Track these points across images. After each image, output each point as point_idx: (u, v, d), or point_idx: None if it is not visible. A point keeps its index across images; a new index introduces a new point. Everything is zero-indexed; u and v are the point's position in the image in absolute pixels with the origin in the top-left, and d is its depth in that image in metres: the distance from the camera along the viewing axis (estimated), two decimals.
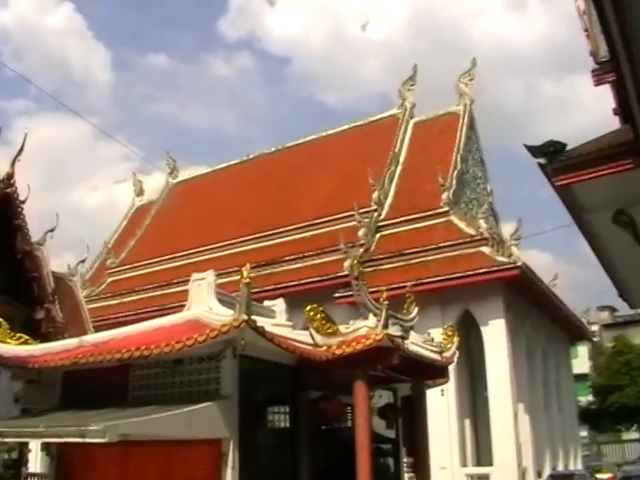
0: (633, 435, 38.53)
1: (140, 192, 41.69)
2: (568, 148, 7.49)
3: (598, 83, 9.23)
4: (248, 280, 9.02)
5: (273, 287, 23.37)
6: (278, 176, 33.29)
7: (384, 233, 26.71)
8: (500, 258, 22.11)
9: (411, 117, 32.26)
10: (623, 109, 6.30)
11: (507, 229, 26.78)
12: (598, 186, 7.45)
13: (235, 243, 30.17)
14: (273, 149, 36.77)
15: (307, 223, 28.59)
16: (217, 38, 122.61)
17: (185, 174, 40.90)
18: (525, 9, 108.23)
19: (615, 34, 4.60)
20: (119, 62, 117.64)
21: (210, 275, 11.11)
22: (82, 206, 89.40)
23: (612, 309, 53.34)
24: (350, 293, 14.72)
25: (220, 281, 11.54)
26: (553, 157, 7.35)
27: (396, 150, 30.27)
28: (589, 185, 7.41)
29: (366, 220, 26.25)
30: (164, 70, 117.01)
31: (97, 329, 14.88)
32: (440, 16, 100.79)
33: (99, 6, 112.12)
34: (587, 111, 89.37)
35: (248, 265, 9.51)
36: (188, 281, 11.42)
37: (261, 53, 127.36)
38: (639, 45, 4.76)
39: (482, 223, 24.01)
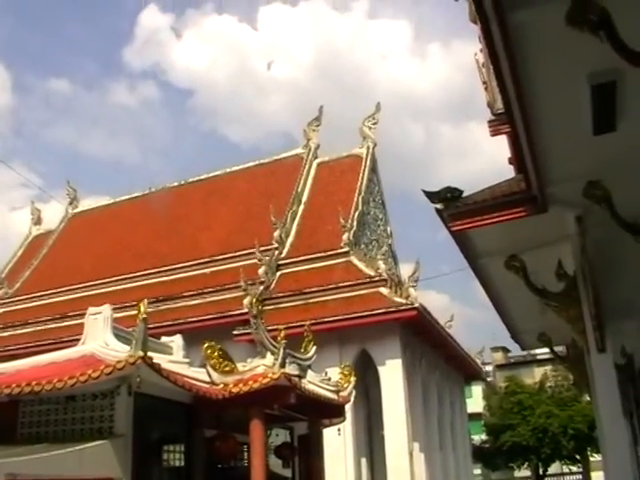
0: (525, 473, 39.45)
1: (38, 221, 40.41)
2: (464, 195, 7.77)
3: (494, 133, 9.65)
4: (145, 316, 8.91)
5: (171, 323, 22.95)
6: (180, 210, 32.97)
7: (284, 272, 26.77)
8: (398, 299, 22.47)
9: (315, 157, 32.68)
10: (517, 159, 6.62)
11: (406, 270, 27.32)
12: (492, 232, 7.75)
13: (134, 277, 29.60)
14: (176, 183, 36.40)
15: (208, 259, 28.38)
16: (122, 67, 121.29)
17: (85, 204, 39.97)
18: (426, 56, 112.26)
19: (510, 91, 4.88)
20: (19, 85, 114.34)
21: (107, 309, 10.89)
22: None
23: (505, 350, 54.75)
24: (249, 331, 14.66)
25: (117, 315, 11.32)
26: (450, 203, 7.61)
27: (299, 189, 30.55)
28: (483, 231, 7.71)
29: (267, 258, 26.26)
30: (66, 95, 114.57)
31: None
32: (345, 58, 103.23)
33: (0, 26, 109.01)
34: (485, 157, 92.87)
35: (145, 301, 9.39)
36: (84, 314, 11.14)
37: (165, 84, 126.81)
38: (532, 103, 5.07)
39: (381, 264, 24.41)
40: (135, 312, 9.13)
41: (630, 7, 4.07)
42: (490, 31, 4.29)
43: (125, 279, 29.78)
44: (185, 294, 26.49)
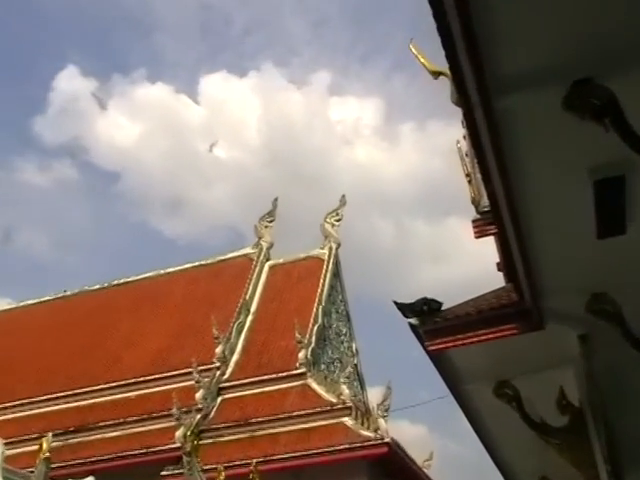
0: None
1: None
2: (444, 307, 7.74)
3: (479, 235, 9.71)
4: (48, 454, 8.61)
5: (83, 461, 22.35)
6: (102, 320, 32.53)
7: (227, 396, 26.33)
8: (365, 432, 22.16)
9: (267, 259, 32.82)
10: (506, 266, 6.65)
11: (374, 396, 27.08)
12: (478, 353, 7.68)
13: (39, 402, 28.77)
14: (97, 286, 36.13)
15: (133, 380, 27.83)
16: (31, 139, 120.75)
17: None
18: (398, 139, 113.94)
19: (497, 186, 4.90)
20: None
21: None
22: None
23: None
24: (181, 471, 14.27)
25: (12, 452, 10.95)
26: (426, 318, 7.58)
27: (247, 297, 30.42)
28: (467, 352, 7.64)
29: (206, 380, 25.82)
30: None
31: None
32: (302, 141, 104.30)
33: None
34: (468, 260, 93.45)
35: (50, 434, 9.11)
36: None
37: (86, 164, 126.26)
38: (523, 200, 5.10)
39: (345, 389, 24.17)
40: (37, 447, 8.85)
41: None
42: (474, 118, 4.34)
43: (27, 404, 28.95)
44: (103, 424, 25.80)
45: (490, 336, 7.38)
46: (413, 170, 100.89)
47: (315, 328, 27.82)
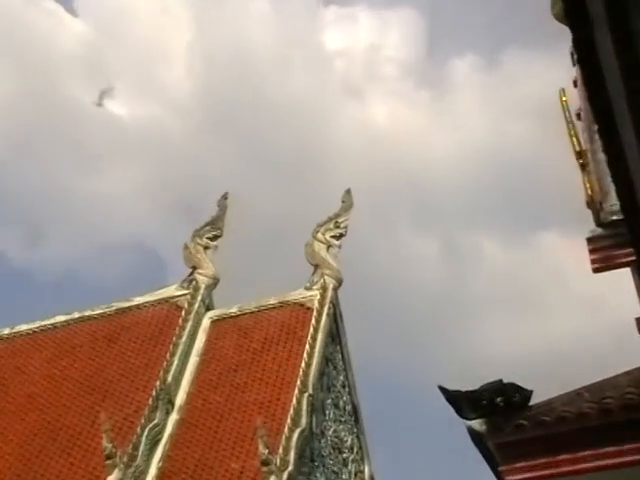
0: None
1: None
2: (534, 400, 7.66)
3: (601, 266, 9.54)
4: None
5: None
6: None
7: None
8: None
9: (207, 307, 32.71)
10: None
11: None
12: None
13: None
14: None
15: None
16: None
17: None
18: (446, 88, 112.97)
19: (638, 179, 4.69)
20: None
21: None
22: None
23: None
24: None
25: None
26: (502, 420, 7.40)
27: (170, 378, 30.20)
28: None
29: None
30: None
31: None
32: (270, 90, 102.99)
33: None
34: (578, 307, 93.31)
35: None
36: None
37: None
38: None
39: None
40: None
41: None
42: (595, 47, 4.07)
43: None
44: None
45: (627, 459, 7.15)
46: (475, 143, 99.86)
47: (295, 436, 27.67)
